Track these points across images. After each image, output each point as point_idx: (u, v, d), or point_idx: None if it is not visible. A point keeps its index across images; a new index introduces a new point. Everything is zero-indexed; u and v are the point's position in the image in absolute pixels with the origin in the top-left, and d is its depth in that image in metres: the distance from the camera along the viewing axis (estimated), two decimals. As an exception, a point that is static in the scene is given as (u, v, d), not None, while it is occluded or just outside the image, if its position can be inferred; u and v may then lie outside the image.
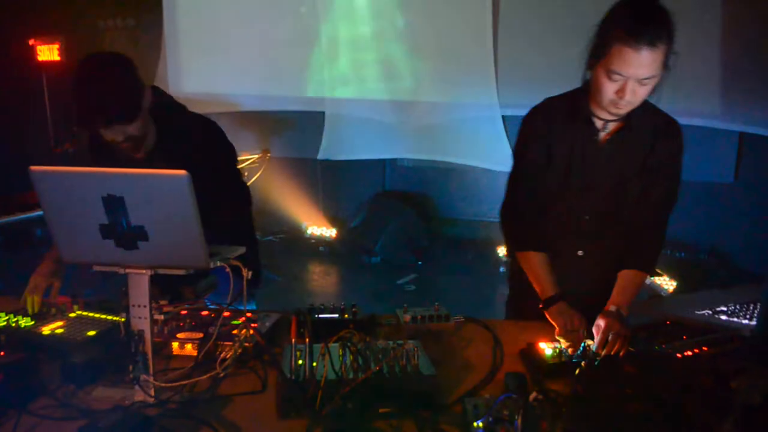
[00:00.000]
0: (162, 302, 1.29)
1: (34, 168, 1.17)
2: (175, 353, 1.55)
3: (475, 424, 1.18)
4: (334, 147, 5.59)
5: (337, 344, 1.38)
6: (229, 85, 5.73)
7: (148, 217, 1.19)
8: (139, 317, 1.29)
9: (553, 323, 1.66)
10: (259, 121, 5.63)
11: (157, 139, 1.85)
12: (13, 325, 1.66)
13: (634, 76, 1.53)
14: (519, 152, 1.86)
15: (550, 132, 1.77)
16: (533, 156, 1.80)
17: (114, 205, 1.17)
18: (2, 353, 1.42)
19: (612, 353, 1.50)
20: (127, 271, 1.27)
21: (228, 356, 1.41)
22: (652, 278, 4.49)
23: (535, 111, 1.83)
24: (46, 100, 6.01)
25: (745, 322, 1.13)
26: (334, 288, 5.06)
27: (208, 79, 5.69)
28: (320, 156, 5.59)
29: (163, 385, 1.31)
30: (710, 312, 1.18)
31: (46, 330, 1.62)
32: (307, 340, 1.29)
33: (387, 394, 1.27)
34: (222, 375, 1.35)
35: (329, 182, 5.80)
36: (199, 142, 1.84)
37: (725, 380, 1.33)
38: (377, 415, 1.24)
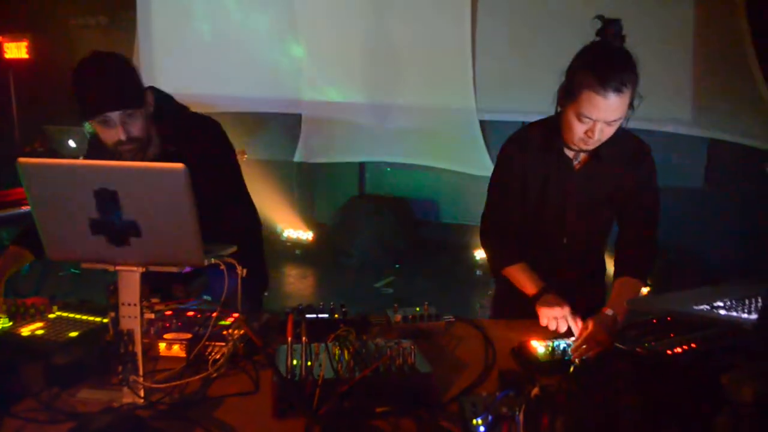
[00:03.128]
0: (153, 300, 1.25)
1: (22, 160, 1.12)
2: (162, 354, 1.51)
3: (474, 421, 1.17)
4: (311, 149, 5.57)
5: (331, 344, 1.36)
6: (204, 86, 5.64)
7: (141, 212, 1.15)
8: (129, 316, 1.25)
9: (538, 313, 1.72)
10: (234, 123, 5.50)
11: (161, 144, 1.81)
12: (-10, 326, 1.60)
13: (603, 120, 1.62)
14: (496, 181, 1.93)
15: (525, 163, 1.86)
16: (510, 186, 1.89)
17: (106, 199, 1.14)
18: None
19: (579, 357, 1.53)
20: (117, 268, 1.23)
21: (219, 356, 1.38)
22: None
23: (512, 142, 1.90)
24: (13, 99, 5.84)
25: (745, 316, 1.16)
26: (310, 291, 5.02)
27: (182, 79, 5.59)
28: (297, 158, 5.56)
29: (154, 386, 1.27)
30: (708, 307, 1.20)
31: (25, 331, 1.56)
32: (304, 339, 1.27)
33: (385, 392, 1.25)
34: (214, 375, 1.32)
35: (306, 185, 5.77)
36: (205, 145, 1.82)
37: (716, 376, 1.36)
38: (375, 414, 1.23)
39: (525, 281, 1.83)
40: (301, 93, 5.47)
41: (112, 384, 1.35)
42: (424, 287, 4.88)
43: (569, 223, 1.91)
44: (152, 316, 1.26)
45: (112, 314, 1.26)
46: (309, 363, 1.28)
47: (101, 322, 1.62)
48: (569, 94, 1.66)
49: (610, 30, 1.63)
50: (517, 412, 1.10)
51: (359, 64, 5.30)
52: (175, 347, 1.52)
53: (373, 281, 4.95)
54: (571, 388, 1.32)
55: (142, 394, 1.26)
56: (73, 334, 1.55)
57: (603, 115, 1.61)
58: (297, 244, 5.57)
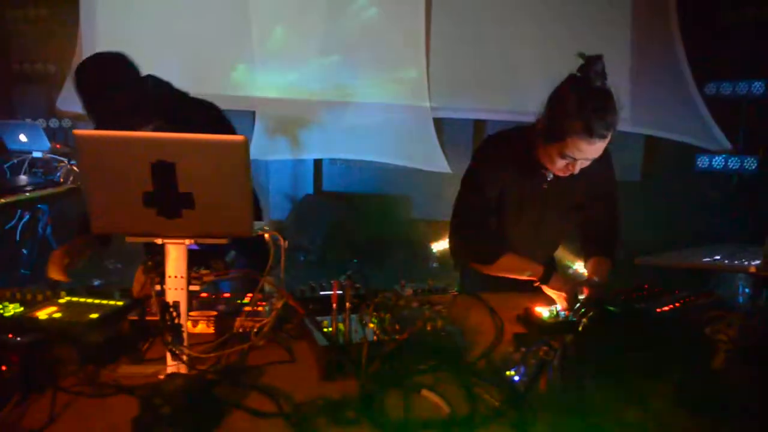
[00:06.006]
0: (203, 271, 1.28)
1: (78, 131, 1.13)
2: (189, 331, 1.52)
3: (508, 372, 1.29)
4: (265, 147, 5.54)
5: (356, 315, 1.43)
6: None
7: (197, 184, 1.19)
8: (176, 288, 1.28)
9: (559, 291, 1.83)
10: (187, 120, 5.46)
11: (162, 128, 1.83)
12: (1, 311, 1.56)
13: (586, 158, 1.72)
14: (473, 186, 1.95)
15: (503, 181, 1.91)
16: (488, 193, 1.92)
17: (163, 171, 1.16)
18: (10, 335, 1.35)
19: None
20: (165, 241, 1.26)
21: (257, 327, 1.42)
22: (574, 267, 4.87)
23: (489, 161, 1.92)
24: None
25: (746, 263, 1.33)
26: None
27: (129, 76, 5.42)
28: (251, 156, 5.51)
29: (201, 356, 1.30)
30: (710, 259, 1.38)
31: (41, 315, 1.54)
32: (348, 305, 1.34)
33: (423, 351, 1.35)
34: (262, 343, 1.36)
35: (261, 182, 5.74)
36: (205, 127, 1.85)
37: (700, 328, 1.54)
38: (418, 371, 1.32)
39: (526, 266, 1.90)
40: (255, 90, 5.45)
41: (146, 359, 1.38)
42: (384, 280, 4.97)
43: (541, 229, 2.02)
44: (197, 287, 1.30)
45: (158, 287, 1.28)
46: (344, 329, 1.36)
47: (115, 304, 1.62)
48: (554, 136, 1.70)
49: (593, 68, 1.64)
50: (554, 359, 1.22)
51: (313, 61, 5.34)
52: (201, 325, 1.55)
53: (332, 276, 4.98)
54: (589, 341, 1.46)
55: (186, 361, 1.29)
56: (94, 315, 1.54)
57: (587, 155, 1.70)
58: (252, 241, 5.54)
